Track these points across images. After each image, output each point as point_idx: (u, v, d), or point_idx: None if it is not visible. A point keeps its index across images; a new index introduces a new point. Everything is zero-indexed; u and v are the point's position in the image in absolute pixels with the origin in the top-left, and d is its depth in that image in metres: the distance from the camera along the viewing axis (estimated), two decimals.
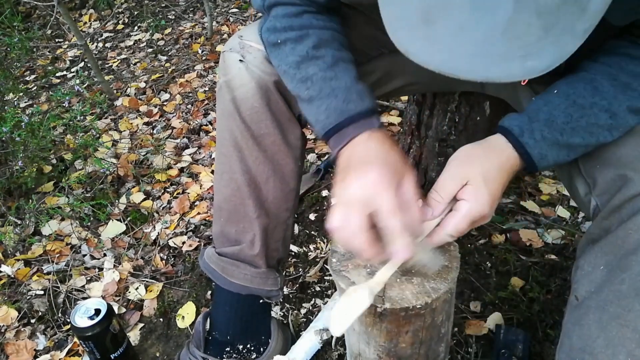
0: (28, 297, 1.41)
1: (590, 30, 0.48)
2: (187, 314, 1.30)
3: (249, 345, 1.07)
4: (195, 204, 1.71)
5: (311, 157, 1.87)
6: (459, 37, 0.47)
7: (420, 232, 0.69)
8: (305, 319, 1.25)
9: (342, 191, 0.68)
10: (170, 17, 3.31)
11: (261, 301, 1.06)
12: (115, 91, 2.52)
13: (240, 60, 0.88)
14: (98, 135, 2.09)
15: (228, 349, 1.06)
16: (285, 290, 1.33)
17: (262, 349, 1.08)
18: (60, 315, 1.36)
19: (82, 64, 2.95)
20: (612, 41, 0.73)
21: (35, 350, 1.28)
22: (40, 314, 1.36)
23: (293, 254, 1.45)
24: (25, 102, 2.55)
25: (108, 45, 3.15)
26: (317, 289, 1.33)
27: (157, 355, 1.24)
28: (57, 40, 3.34)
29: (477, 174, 0.68)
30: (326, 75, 0.76)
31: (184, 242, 1.55)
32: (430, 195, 0.70)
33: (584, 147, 0.71)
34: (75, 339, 1.27)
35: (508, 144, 0.71)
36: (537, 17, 0.45)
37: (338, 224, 0.66)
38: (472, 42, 0.47)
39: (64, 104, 2.26)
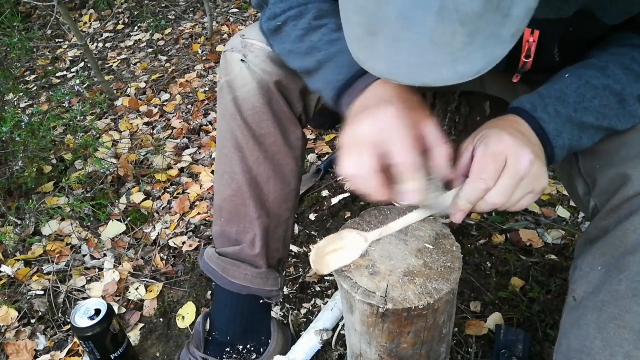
0: (28, 297, 1.41)
1: (518, 34, 0.51)
2: (187, 314, 1.30)
3: (248, 346, 1.07)
4: (195, 204, 1.71)
5: (311, 157, 1.87)
6: (394, 47, 0.51)
7: (444, 176, 0.64)
8: (305, 319, 1.25)
9: (352, 131, 0.65)
10: (170, 17, 3.31)
11: (261, 301, 1.06)
12: (115, 91, 2.52)
13: (241, 60, 0.88)
14: (98, 135, 2.09)
15: (228, 349, 1.06)
16: (285, 290, 1.33)
17: (262, 349, 1.08)
18: (60, 315, 1.36)
19: (82, 64, 2.94)
20: (617, 34, 0.72)
21: (35, 350, 1.27)
22: (40, 314, 1.36)
23: (293, 254, 1.45)
24: (25, 102, 2.55)
25: (108, 45, 3.15)
26: (317, 289, 1.33)
27: (157, 355, 1.24)
28: (57, 40, 3.34)
29: (489, 127, 0.66)
30: (331, 38, 0.75)
31: (184, 242, 1.55)
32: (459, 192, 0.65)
33: (596, 128, 0.69)
34: (75, 339, 1.27)
35: (522, 121, 0.68)
36: (460, 25, 0.48)
37: (349, 170, 0.63)
38: (406, 51, 0.51)
39: (64, 104, 2.25)
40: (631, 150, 0.68)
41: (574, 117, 0.67)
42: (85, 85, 2.64)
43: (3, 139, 1.65)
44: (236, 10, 3.22)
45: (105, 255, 1.54)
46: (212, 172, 1.83)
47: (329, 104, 0.77)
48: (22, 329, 1.33)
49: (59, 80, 2.82)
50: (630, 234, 0.63)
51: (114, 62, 2.90)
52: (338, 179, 1.70)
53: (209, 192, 1.74)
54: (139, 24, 3.30)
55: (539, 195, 0.65)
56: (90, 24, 3.47)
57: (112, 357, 1.11)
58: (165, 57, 2.83)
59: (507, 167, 0.62)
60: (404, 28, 0.50)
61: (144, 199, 1.76)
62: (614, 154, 0.70)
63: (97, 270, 1.49)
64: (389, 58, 0.53)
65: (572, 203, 1.49)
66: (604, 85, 0.67)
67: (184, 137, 2.09)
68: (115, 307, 1.32)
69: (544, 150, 0.67)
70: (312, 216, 1.57)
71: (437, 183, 0.64)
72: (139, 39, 3.13)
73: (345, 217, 1.54)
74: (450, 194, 0.66)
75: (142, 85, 2.58)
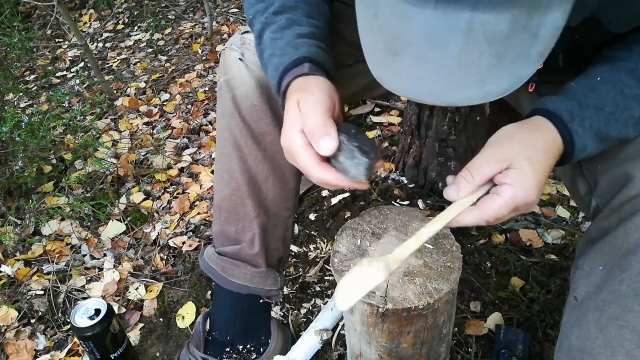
0: (28, 297, 1.41)
1: (546, 53, 0.50)
2: (187, 314, 1.30)
3: (248, 346, 1.07)
4: (195, 204, 1.71)
5: None
6: (419, 68, 0.51)
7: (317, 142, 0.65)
8: (305, 319, 1.25)
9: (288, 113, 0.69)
10: (170, 17, 3.31)
11: (261, 301, 1.06)
12: (115, 91, 2.52)
13: (239, 58, 0.88)
14: (98, 135, 2.09)
15: (228, 349, 1.06)
16: (285, 290, 1.33)
17: (262, 349, 1.08)
18: (60, 315, 1.36)
19: (82, 64, 2.94)
20: (636, 34, 0.70)
21: (35, 350, 1.27)
22: (40, 314, 1.36)
23: (293, 254, 1.45)
24: (25, 102, 2.55)
25: (108, 45, 3.15)
26: (317, 289, 1.33)
27: (157, 355, 1.24)
28: (57, 40, 3.34)
29: (521, 156, 0.62)
30: (274, 36, 0.76)
31: (184, 242, 1.55)
32: (460, 174, 0.64)
33: (613, 140, 0.68)
34: (75, 339, 1.27)
35: (553, 128, 0.65)
36: (487, 45, 0.48)
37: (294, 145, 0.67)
38: (431, 72, 0.51)
39: (64, 104, 2.25)
40: (633, 150, 0.68)
41: (602, 131, 0.66)
42: (85, 85, 2.64)
43: (3, 139, 1.65)
44: (236, 10, 3.22)
45: (105, 255, 1.54)
46: (212, 172, 1.83)
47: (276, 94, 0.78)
48: (22, 329, 1.33)
49: (59, 80, 2.82)
50: (632, 234, 0.63)
51: (114, 62, 2.90)
52: None
53: (209, 192, 1.74)
54: (139, 24, 3.30)
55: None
56: (90, 24, 3.47)
57: (112, 357, 1.11)
58: (165, 57, 2.83)
59: (514, 210, 0.62)
60: (429, 48, 0.49)
61: (144, 199, 1.76)
62: (616, 153, 0.69)
63: (97, 270, 1.49)
64: (415, 78, 0.52)
65: (572, 203, 1.49)
66: (635, 94, 0.66)
67: (184, 137, 2.09)
68: (115, 307, 1.32)
69: (561, 157, 0.66)
70: (312, 216, 1.57)
71: (348, 145, 0.64)
72: (139, 39, 3.13)
73: (345, 217, 1.54)
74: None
75: (142, 85, 2.58)
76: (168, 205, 1.73)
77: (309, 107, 0.65)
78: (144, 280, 1.42)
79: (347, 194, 1.61)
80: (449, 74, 0.50)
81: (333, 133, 0.63)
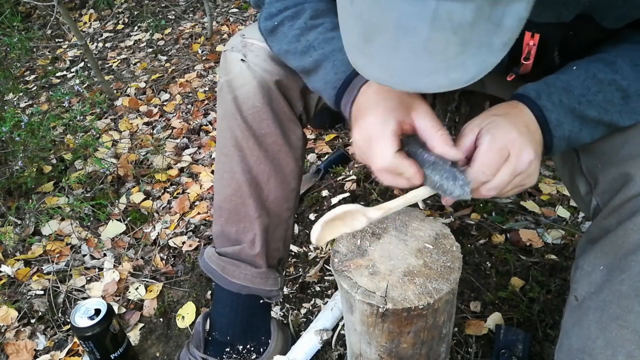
0: (28, 297, 1.41)
1: (510, 43, 0.52)
2: (187, 314, 1.30)
3: (248, 346, 1.07)
4: (195, 204, 1.71)
5: (311, 157, 1.86)
6: (389, 55, 0.53)
7: (448, 158, 0.65)
8: (305, 319, 1.25)
9: (353, 144, 0.71)
10: (170, 17, 3.31)
11: (261, 301, 1.06)
12: (115, 91, 2.52)
13: (242, 59, 0.88)
14: (98, 135, 2.09)
15: (228, 349, 1.06)
16: (285, 290, 1.33)
17: (262, 349, 1.08)
18: (60, 315, 1.36)
19: (82, 64, 2.94)
20: (628, 30, 0.71)
21: (35, 350, 1.27)
22: (40, 314, 1.36)
23: (293, 254, 1.45)
24: (25, 102, 2.55)
25: (108, 45, 3.15)
26: (317, 289, 1.33)
27: (157, 355, 1.24)
28: (57, 40, 3.34)
29: (498, 116, 0.66)
30: (327, 36, 0.76)
31: (184, 242, 1.55)
32: (472, 173, 0.64)
33: (597, 122, 0.68)
34: (75, 339, 1.27)
35: (525, 107, 0.68)
36: (453, 34, 0.49)
37: (384, 180, 0.68)
38: (401, 58, 0.52)
39: (64, 104, 2.25)
40: (634, 149, 0.68)
41: (577, 109, 0.67)
42: (85, 85, 2.64)
43: (3, 139, 1.65)
44: (236, 10, 3.22)
45: (105, 255, 1.54)
46: (212, 172, 1.83)
47: (329, 103, 0.77)
48: (22, 329, 1.33)
49: (59, 80, 2.82)
50: (633, 234, 0.63)
51: (114, 62, 2.90)
52: (338, 179, 1.70)
53: (209, 192, 1.74)
54: (139, 24, 3.30)
55: (524, 190, 0.66)
56: (90, 24, 3.47)
57: (112, 357, 1.11)
58: (165, 57, 2.83)
59: (508, 163, 0.63)
60: (399, 36, 0.51)
61: (144, 199, 1.76)
62: (617, 152, 0.69)
63: (97, 270, 1.49)
64: (385, 65, 0.54)
65: (572, 203, 1.49)
66: (610, 80, 0.67)
67: (184, 137, 2.09)
68: (115, 307, 1.32)
69: (543, 139, 0.67)
70: (312, 216, 1.57)
71: (442, 165, 0.65)
72: (139, 39, 3.13)
73: None
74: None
75: (142, 85, 2.58)
76: (168, 205, 1.73)
77: (375, 140, 0.65)
78: (144, 280, 1.42)
79: (347, 194, 1.61)
80: (417, 61, 0.52)
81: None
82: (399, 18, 0.50)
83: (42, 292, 1.42)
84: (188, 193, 1.75)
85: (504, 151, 0.63)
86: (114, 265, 1.49)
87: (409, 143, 0.67)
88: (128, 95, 2.48)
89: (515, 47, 0.76)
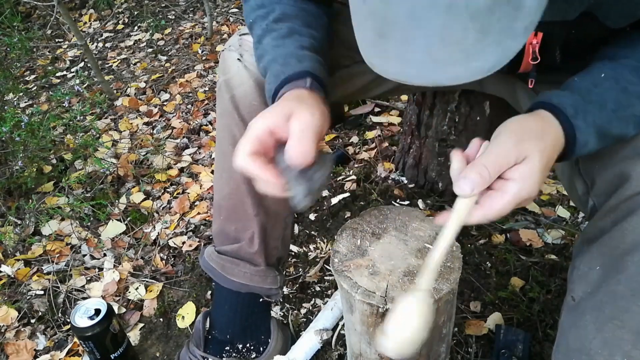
0: (28, 297, 1.41)
1: (532, 27, 0.49)
2: (187, 314, 1.30)
3: (248, 345, 1.07)
4: (195, 204, 1.71)
5: None
6: (405, 48, 0.50)
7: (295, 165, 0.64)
8: (305, 319, 1.25)
9: None
10: (170, 17, 3.31)
11: (261, 300, 1.07)
12: (115, 91, 2.52)
13: (238, 59, 0.89)
14: (98, 135, 2.09)
15: (228, 348, 1.06)
16: (285, 290, 1.33)
17: (261, 349, 1.08)
18: (60, 315, 1.36)
19: (82, 64, 2.94)
20: (635, 32, 0.70)
21: (35, 350, 1.27)
22: (40, 314, 1.36)
23: (293, 254, 1.45)
24: (25, 102, 2.55)
25: (108, 45, 3.15)
26: (317, 289, 1.33)
27: (157, 355, 1.24)
28: (57, 40, 3.34)
29: (536, 152, 0.60)
30: (276, 44, 0.76)
31: (184, 242, 1.55)
32: (474, 169, 0.59)
33: (613, 138, 0.67)
34: (75, 339, 1.27)
35: (557, 123, 0.63)
36: (470, 21, 0.47)
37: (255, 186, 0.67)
38: (417, 51, 0.50)
39: (64, 104, 2.26)
40: (631, 150, 0.68)
41: (604, 128, 0.65)
42: (85, 85, 2.64)
43: (3, 139, 1.66)
44: (236, 10, 3.22)
45: (105, 255, 1.54)
46: (212, 171, 1.83)
47: None
48: (22, 329, 1.33)
49: (59, 80, 2.82)
50: (629, 234, 0.63)
51: (114, 62, 2.90)
52: (338, 179, 1.70)
53: (209, 192, 1.74)
54: (139, 24, 3.30)
55: None
56: (90, 24, 3.47)
57: (112, 357, 1.11)
58: (165, 57, 2.83)
59: (516, 206, 0.61)
60: (413, 28, 0.48)
61: (144, 199, 1.76)
62: (614, 153, 0.69)
63: (97, 270, 1.49)
64: (400, 59, 0.51)
65: (572, 203, 1.49)
66: (638, 93, 0.65)
67: (184, 137, 2.09)
68: (115, 307, 1.32)
69: (561, 153, 0.65)
70: (312, 216, 1.57)
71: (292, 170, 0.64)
72: (139, 39, 3.13)
73: (345, 217, 1.54)
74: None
75: (142, 85, 2.58)
76: (168, 205, 1.73)
77: (301, 125, 0.64)
78: (144, 280, 1.42)
79: (347, 194, 1.61)
80: (434, 53, 0.49)
81: (310, 157, 0.63)
82: (412, 9, 0.47)
83: (42, 292, 1.42)
84: (188, 193, 1.75)
85: (519, 205, 0.60)
86: (114, 265, 1.49)
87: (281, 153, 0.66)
88: (128, 95, 2.48)
89: None
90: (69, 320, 1.24)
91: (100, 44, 3.17)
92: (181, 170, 1.90)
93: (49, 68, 2.92)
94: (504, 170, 0.60)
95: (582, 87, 0.66)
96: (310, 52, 0.76)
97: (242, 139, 0.65)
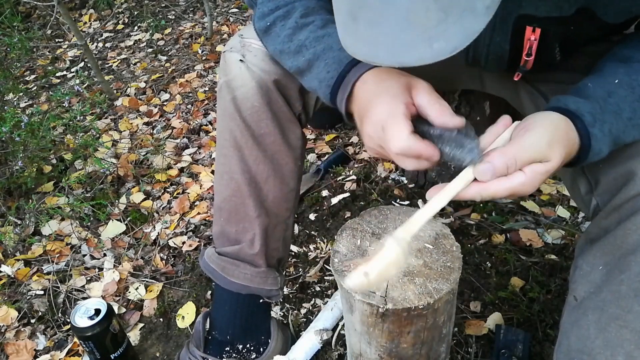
0: (28, 297, 1.41)
1: (494, 7, 0.50)
2: (187, 314, 1.30)
3: (248, 345, 1.07)
4: (195, 204, 1.71)
5: (311, 157, 1.86)
6: (374, 29, 0.51)
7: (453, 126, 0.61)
8: (305, 319, 1.25)
9: (365, 143, 0.70)
10: (170, 17, 3.31)
11: (261, 301, 1.07)
12: (115, 91, 2.52)
13: (240, 60, 0.89)
14: (98, 135, 2.09)
15: (228, 348, 1.06)
16: (285, 290, 1.33)
17: (261, 349, 1.08)
18: (60, 315, 1.36)
19: (82, 64, 2.94)
20: None
21: (35, 350, 1.27)
22: (40, 314, 1.36)
23: (293, 254, 1.45)
24: (25, 102, 2.55)
25: (108, 45, 3.15)
26: (317, 289, 1.33)
27: (157, 355, 1.24)
28: (57, 40, 3.34)
29: (558, 159, 0.60)
30: (318, 35, 0.76)
31: (184, 242, 1.55)
32: (502, 158, 0.58)
33: (624, 144, 0.66)
34: (75, 339, 1.27)
35: (575, 131, 0.62)
36: (433, 1, 0.48)
37: (409, 167, 0.65)
38: (384, 33, 0.51)
39: (64, 104, 2.26)
40: (636, 149, 0.67)
41: (619, 138, 0.64)
42: (85, 85, 2.64)
43: (3, 139, 1.65)
44: (236, 10, 3.22)
45: (105, 255, 1.54)
46: (212, 172, 1.83)
47: (326, 101, 0.77)
48: (22, 329, 1.33)
49: (59, 80, 2.82)
50: (632, 234, 0.62)
51: (114, 62, 2.90)
52: (338, 179, 1.70)
53: (209, 192, 1.74)
54: (139, 24, 3.30)
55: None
56: (90, 24, 3.47)
57: (112, 357, 1.11)
58: (165, 57, 2.83)
59: (511, 195, 0.60)
60: (381, 9, 0.50)
61: (144, 199, 1.76)
62: (620, 152, 0.68)
63: (97, 270, 1.49)
64: (370, 40, 0.53)
65: (572, 203, 1.49)
66: None
67: (184, 137, 2.09)
68: (115, 307, 1.32)
69: (573, 158, 0.64)
70: (312, 216, 1.57)
71: (449, 135, 0.62)
72: (139, 39, 3.13)
73: (345, 217, 1.54)
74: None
75: (142, 85, 2.58)
76: (168, 205, 1.73)
77: (387, 129, 0.63)
78: (144, 280, 1.42)
79: (347, 194, 1.61)
80: (400, 34, 0.50)
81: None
82: None
83: (42, 292, 1.42)
84: (188, 193, 1.75)
85: (514, 196, 0.60)
86: (114, 265, 1.49)
87: (418, 125, 0.65)
88: (128, 95, 2.48)
89: (516, 43, 0.75)
90: (69, 320, 1.24)
91: (100, 44, 3.17)
92: (181, 170, 1.90)
93: (49, 68, 2.92)
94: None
95: (598, 95, 0.65)
96: None
97: (393, 124, 0.62)
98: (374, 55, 0.54)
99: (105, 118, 2.31)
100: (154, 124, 2.23)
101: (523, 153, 0.58)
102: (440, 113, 0.62)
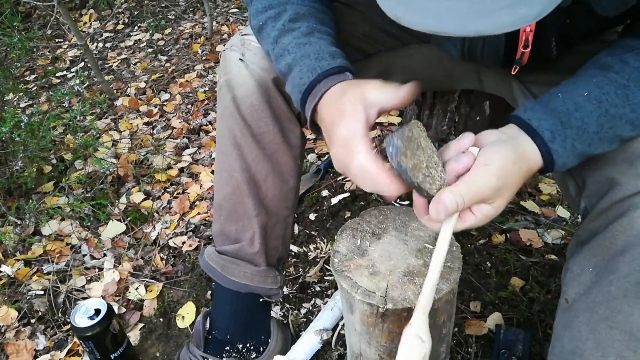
0: (28, 297, 1.41)
1: None
2: (187, 314, 1.30)
3: (248, 345, 1.07)
4: (195, 204, 1.71)
5: (311, 157, 1.87)
6: None
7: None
8: (305, 319, 1.25)
9: (333, 160, 0.69)
10: (170, 17, 3.31)
11: (261, 300, 1.07)
12: (115, 91, 2.52)
13: (240, 59, 0.89)
14: (98, 135, 2.09)
15: (228, 348, 1.06)
16: (285, 290, 1.33)
17: (261, 349, 1.08)
18: (60, 315, 1.36)
19: (82, 64, 2.94)
20: (633, 40, 0.69)
21: (35, 350, 1.27)
22: (40, 314, 1.36)
23: (293, 254, 1.45)
24: (25, 102, 2.55)
25: (108, 45, 3.15)
26: (317, 289, 1.33)
27: (157, 355, 1.24)
28: (57, 40, 3.34)
29: (505, 200, 0.62)
30: (300, 41, 0.75)
31: (184, 242, 1.55)
32: (451, 195, 0.60)
33: (596, 155, 0.67)
34: (75, 339, 1.27)
35: (536, 149, 0.64)
36: None
37: (366, 188, 0.66)
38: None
39: (64, 104, 2.26)
40: (618, 154, 0.68)
41: (586, 152, 0.65)
42: (85, 85, 2.64)
43: (3, 139, 1.65)
44: (236, 10, 3.22)
45: (105, 255, 1.54)
46: (212, 172, 1.83)
47: (298, 107, 0.76)
48: (22, 329, 1.33)
49: (59, 80, 2.82)
50: (620, 236, 0.63)
51: (114, 62, 2.90)
52: (338, 179, 1.70)
53: (209, 192, 1.74)
54: (139, 24, 3.30)
55: None
56: (90, 24, 3.47)
57: (112, 357, 1.11)
58: (165, 57, 2.83)
59: (477, 216, 0.63)
60: None
61: (144, 199, 1.76)
62: (602, 157, 0.68)
63: (97, 270, 1.49)
64: (432, 9, 0.47)
65: None
66: (621, 114, 0.64)
67: (184, 137, 2.09)
68: (115, 307, 1.32)
69: (541, 168, 0.66)
70: (312, 216, 1.57)
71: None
72: (139, 39, 3.13)
73: (345, 217, 1.54)
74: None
75: (142, 85, 2.58)
76: (168, 205, 1.73)
77: (351, 149, 0.63)
78: (144, 280, 1.42)
79: (347, 194, 1.61)
80: (476, 0, 0.46)
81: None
82: None
83: (42, 292, 1.42)
84: (188, 193, 1.75)
85: (490, 215, 0.62)
86: (114, 265, 1.49)
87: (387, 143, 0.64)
88: (128, 95, 2.48)
89: (512, 35, 0.75)
90: (69, 320, 1.23)
91: (100, 44, 3.17)
92: (181, 170, 1.90)
93: (49, 68, 2.92)
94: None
95: (563, 110, 0.65)
96: (337, 48, 0.76)
97: (351, 144, 0.63)
98: (439, 25, 0.48)
99: (105, 118, 2.31)
100: (154, 124, 2.23)
101: (470, 193, 0.60)
102: (392, 100, 0.65)
